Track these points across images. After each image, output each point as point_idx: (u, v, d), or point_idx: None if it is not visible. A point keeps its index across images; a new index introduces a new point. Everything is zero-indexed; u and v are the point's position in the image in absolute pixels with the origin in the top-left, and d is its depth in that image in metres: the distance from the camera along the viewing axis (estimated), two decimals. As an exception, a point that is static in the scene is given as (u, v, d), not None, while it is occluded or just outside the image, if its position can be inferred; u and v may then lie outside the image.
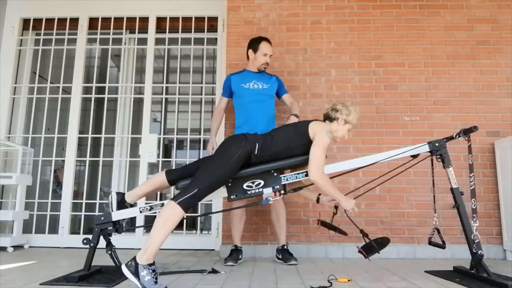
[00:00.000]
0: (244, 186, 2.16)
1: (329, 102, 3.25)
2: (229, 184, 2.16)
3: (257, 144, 2.14)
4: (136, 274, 1.76)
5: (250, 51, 2.88)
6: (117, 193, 2.23)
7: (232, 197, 2.17)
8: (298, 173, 2.17)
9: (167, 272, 2.30)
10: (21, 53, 3.91)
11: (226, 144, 2.15)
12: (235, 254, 2.68)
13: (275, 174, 2.16)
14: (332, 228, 2.32)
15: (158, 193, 3.46)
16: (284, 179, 2.17)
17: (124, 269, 1.79)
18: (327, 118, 2.31)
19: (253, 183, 2.16)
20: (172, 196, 2.24)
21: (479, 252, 2.05)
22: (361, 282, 2.05)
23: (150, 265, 1.77)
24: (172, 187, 2.68)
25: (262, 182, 2.16)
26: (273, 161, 2.17)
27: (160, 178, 2.25)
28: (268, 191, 2.14)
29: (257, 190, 2.16)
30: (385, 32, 3.35)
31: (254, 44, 2.87)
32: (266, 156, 2.16)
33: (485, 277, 2.01)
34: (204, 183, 1.94)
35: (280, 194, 2.15)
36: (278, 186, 2.15)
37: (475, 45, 3.30)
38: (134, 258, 1.79)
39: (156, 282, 1.76)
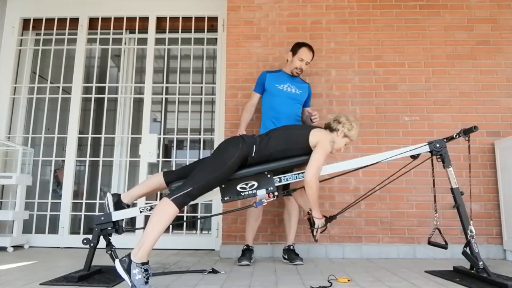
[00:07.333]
0: (238, 187, 2.15)
1: (329, 102, 3.25)
2: (223, 186, 2.15)
3: (254, 146, 2.15)
4: (128, 271, 1.74)
5: (290, 53, 2.87)
6: (113, 195, 2.21)
7: (225, 198, 2.16)
8: (293, 175, 2.18)
9: (167, 272, 2.30)
10: (21, 53, 3.91)
11: (223, 145, 2.15)
12: (248, 253, 2.68)
13: (269, 175, 2.16)
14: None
15: (158, 193, 3.46)
16: (277, 181, 2.17)
17: (117, 264, 1.77)
18: (328, 127, 2.31)
19: (246, 184, 2.15)
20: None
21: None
22: (361, 282, 2.05)
23: (143, 264, 1.75)
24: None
25: (256, 184, 2.15)
26: (268, 162, 2.17)
27: (158, 179, 2.25)
28: (261, 193, 2.14)
29: (250, 192, 2.15)
30: (385, 32, 3.35)
31: (296, 47, 2.86)
32: (263, 157, 2.16)
33: (485, 277, 2.01)
34: (199, 182, 1.93)
35: (274, 196, 2.15)
36: (271, 188, 2.14)
37: (475, 45, 3.30)
38: (129, 255, 1.78)
39: (146, 283, 1.73)
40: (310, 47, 2.85)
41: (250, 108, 2.91)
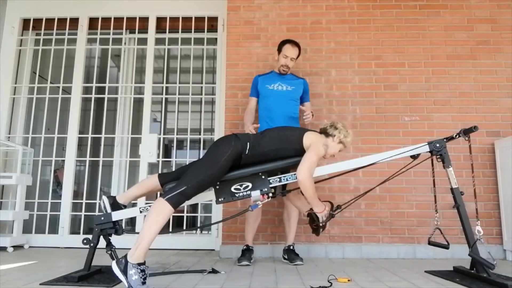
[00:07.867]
0: (232, 188, 2.15)
1: (329, 102, 3.25)
2: (217, 187, 2.15)
3: (248, 143, 2.14)
4: (124, 272, 1.75)
5: (277, 52, 2.88)
6: (108, 197, 2.22)
7: (220, 199, 2.15)
8: (292, 175, 2.17)
9: (167, 272, 2.30)
10: (21, 53, 3.91)
11: (216, 144, 2.15)
12: (248, 254, 2.68)
13: (263, 176, 2.15)
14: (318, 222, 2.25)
15: (158, 193, 3.47)
16: (277, 181, 2.16)
17: (114, 266, 1.78)
18: (324, 132, 2.30)
19: (241, 185, 2.15)
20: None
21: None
22: (361, 282, 2.05)
23: (139, 264, 1.75)
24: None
25: (250, 185, 2.14)
26: (262, 163, 2.17)
27: (153, 181, 2.25)
28: (256, 194, 2.13)
29: (245, 193, 2.14)
30: (385, 32, 3.35)
31: (280, 45, 2.87)
32: (256, 156, 2.15)
33: (485, 277, 2.01)
34: (193, 181, 1.94)
35: (268, 197, 2.14)
36: (266, 189, 2.13)
37: (475, 45, 3.30)
38: (125, 256, 1.78)
39: (144, 283, 1.73)
40: (294, 43, 2.85)
41: (250, 111, 2.92)
